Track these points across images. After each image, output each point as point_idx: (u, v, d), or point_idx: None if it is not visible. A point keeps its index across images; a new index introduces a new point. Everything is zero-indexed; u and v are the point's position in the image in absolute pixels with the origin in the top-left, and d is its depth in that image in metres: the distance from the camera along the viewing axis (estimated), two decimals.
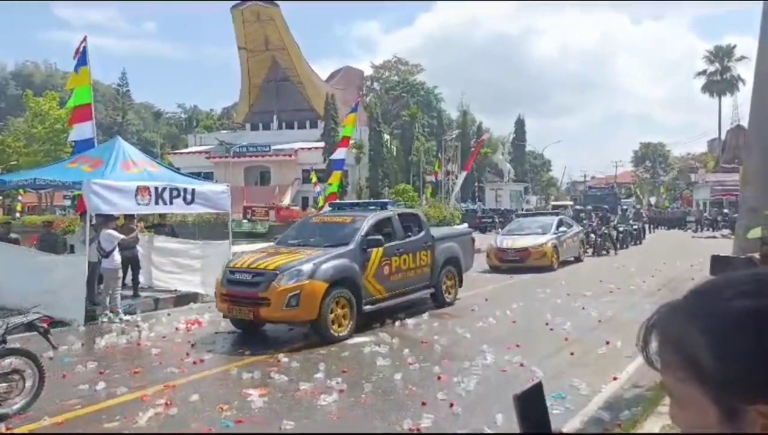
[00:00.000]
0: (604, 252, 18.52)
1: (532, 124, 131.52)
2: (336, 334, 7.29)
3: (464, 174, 38.11)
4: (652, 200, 58.42)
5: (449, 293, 9.89)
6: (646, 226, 28.86)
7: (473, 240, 11.36)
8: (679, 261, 15.86)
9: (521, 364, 6.12)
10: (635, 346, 0.71)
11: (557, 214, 18.65)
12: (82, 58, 11.22)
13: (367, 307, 7.96)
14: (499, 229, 23.14)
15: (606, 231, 19.00)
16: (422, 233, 9.44)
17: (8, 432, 4.65)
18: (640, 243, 23.38)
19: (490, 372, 5.97)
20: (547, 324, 8.09)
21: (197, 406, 5.12)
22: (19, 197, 35.54)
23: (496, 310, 9.14)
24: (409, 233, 9.19)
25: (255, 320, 7.53)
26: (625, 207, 28.93)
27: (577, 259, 16.38)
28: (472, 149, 51.70)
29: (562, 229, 15.80)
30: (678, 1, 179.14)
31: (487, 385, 5.55)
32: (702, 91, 57.78)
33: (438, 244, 9.65)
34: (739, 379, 0.59)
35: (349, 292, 7.56)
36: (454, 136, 61.44)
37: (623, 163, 74.88)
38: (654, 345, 0.68)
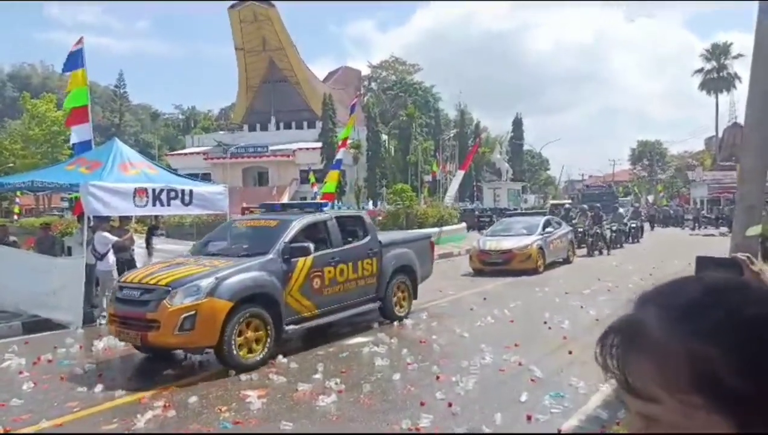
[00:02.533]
0: (597, 252, 18.21)
1: (529, 122, 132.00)
2: (244, 361, 6.11)
3: (462, 173, 38.12)
4: (650, 198, 58.49)
5: (401, 306, 8.70)
6: (645, 224, 28.85)
7: (432, 245, 10.18)
8: (677, 259, 15.89)
9: (519, 364, 6.12)
10: (595, 359, 0.63)
11: (544, 214, 18.25)
12: (78, 59, 11.22)
13: (291, 328, 6.83)
14: None
15: (598, 230, 18.60)
16: (366, 239, 8.33)
17: (7, 433, 4.64)
18: (638, 241, 23.41)
19: (489, 371, 5.97)
20: (545, 323, 8.10)
21: (195, 408, 5.11)
22: (17, 199, 35.46)
23: (494, 309, 9.14)
24: (350, 239, 8.17)
25: (143, 346, 6.42)
26: (616, 205, 28.85)
27: (566, 261, 15.83)
28: (470, 148, 51.77)
29: (548, 229, 15.20)
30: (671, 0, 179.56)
31: (485, 385, 5.55)
32: (699, 89, 57.95)
33: (387, 251, 8.52)
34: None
35: (263, 310, 6.38)
36: (451, 135, 61.54)
37: (621, 161, 75.05)
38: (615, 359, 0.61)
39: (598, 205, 21.94)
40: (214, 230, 8.92)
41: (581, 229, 18.41)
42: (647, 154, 76.21)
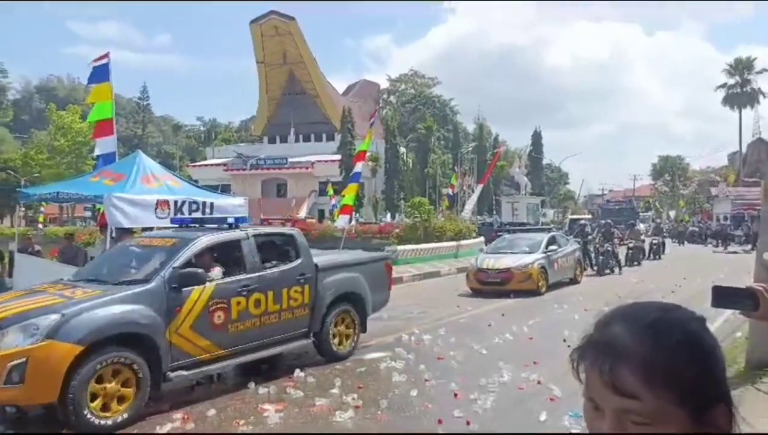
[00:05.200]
0: (608, 271, 17.29)
1: (548, 136, 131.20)
2: (95, 422, 4.78)
3: (480, 187, 38.05)
4: (672, 214, 57.70)
5: (342, 343, 7.31)
6: (666, 240, 28.38)
7: (389, 267, 8.75)
8: (699, 277, 15.62)
9: (539, 382, 6.06)
10: (569, 359, 0.84)
11: (549, 231, 17.23)
12: (103, 73, 11.46)
13: (178, 374, 5.50)
14: None
15: (609, 248, 17.52)
16: (297, 262, 6.94)
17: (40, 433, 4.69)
18: (660, 258, 23.06)
19: (507, 389, 5.92)
20: (564, 340, 7.97)
21: (214, 421, 5.15)
22: (42, 208, 36.16)
23: (512, 326, 9.06)
24: (274, 262, 6.81)
25: None
26: (632, 221, 28.28)
27: (573, 281, 14.91)
28: (489, 162, 51.65)
29: (552, 247, 14.17)
30: (691, 4, 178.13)
31: (504, 403, 5.50)
32: (723, 104, 57.21)
33: (325, 276, 7.15)
34: (710, 388, 0.77)
35: (133, 355, 5.05)
36: (470, 148, 61.50)
37: (641, 176, 74.26)
38: (585, 363, 0.81)
39: (610, 220, 21.10)
40: (109, 249, 7.66)
41: (596, 247, 17.73)
42: (669, 169, 75.36)
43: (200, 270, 5.77)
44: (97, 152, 12.13)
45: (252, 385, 6.08)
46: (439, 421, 4.98)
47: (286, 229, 7.65)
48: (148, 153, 12.04)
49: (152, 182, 9.92)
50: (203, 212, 9.90)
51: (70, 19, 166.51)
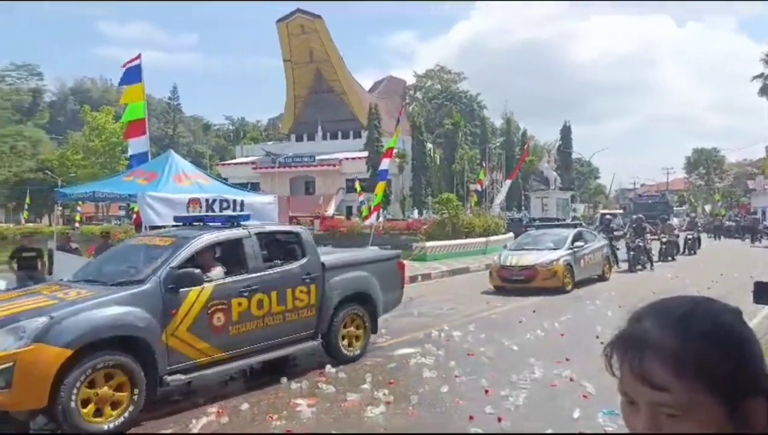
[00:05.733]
0: (639, 267, 16.87)
1: (577, 130, 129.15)
2: (87, 426, 4.63)
3: (509, 182, 37.71)
4: (707, 208, 56.28)
5: (352, 345, 7.06)
6: (702, 235, 27.70)
7: (401, 266, 8.35)
8: (736, 272, 15.22)
9: (571, 379, 5.99)
10: (602, 355, 0.84)
11: (575, 226, 16.78)
12: (135, 74, 11.69)
13: (175, 378, 5.31)
14: None
15: (641, 243, 17.06)
16: (303, 260, 6.68)
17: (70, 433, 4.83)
18: (695, 253, 22.53)
19: (539, 386, 5.87)
20: (597, 337, 7.86)
21: (247, 415, 5.23)
22: (78, 208, 37.13)
23: (543, 322, 8.98)
24: (278, 261, 6.58)
25: None
26: (665, 216, 27.49)
27: (601, 278, 14.47)
28: (517, 157, 51.14)
29: (578, 243, 13.70)
30: (723, 1, 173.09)
31: (536, 400, 5.46)
32: (759, 95, 55.46)
33: (332, 275, 6.88)
34: (744, 381, 0.76)
35: (126, 358, 4.89)
36: (498, 144, 60.98)
37: (674, 169, 72.59)
38: (617, 357, 0.82)
39: (641, 215, 20.50)
40: (112, 248, 7.48)
41: (627, 243, 17.28)
42: (703, 162, 73.49)
43: (197, 270, 5.51)
44: (130, 152, 12.41)
45: (284, 380, 6.16)
46: (471, 418, 4.96)
47: (292, 227, 7.33)
48: (178, 152, 12.26)
49: (184, 181, 10.10)
50: (234, 210, 10.04)
51: (100, 21, 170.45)
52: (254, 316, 5.98)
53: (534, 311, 10.24)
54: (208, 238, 6.02)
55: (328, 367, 6.63)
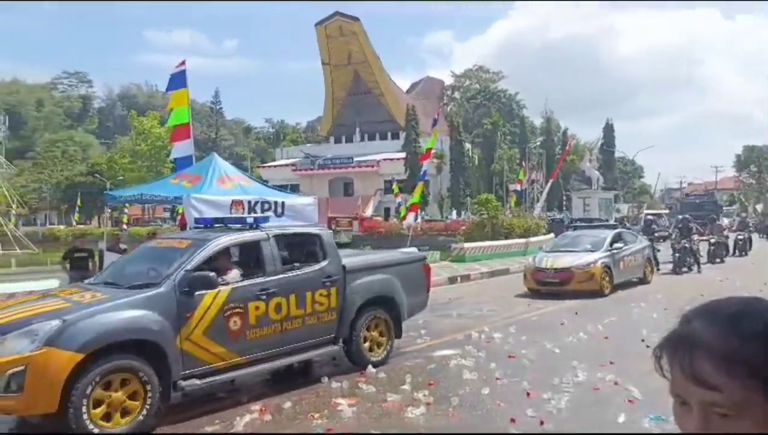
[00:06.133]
0: (685, 269, 16.32)
1: (620, 128, 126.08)
2: (101, 431, 4.58)
3: (550, 182, 37.12)
4: (759, 208, 54.11)
5: (374, 350, 6.86)
6: (753, 236, 26.62)
7: (427, 268, 8.07)
8: None
9: (616, 383, 5.86)
10: (652, 356, 0.85)
11: (614, 227, 16.10)
12: (180, 79, 12.02)
13: (190, 383, 5.20)
14: None
15: (687, 244, 16.34)
16: (323, 263, 6.52)
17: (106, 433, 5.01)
18: (745, 254, 21.69)
19: (582, 390, 5.76)
20: (643, 340, 7.68)
21: (290, 414, 5.31)
22: (126, 210, 38.35)
23: (586, 325, 8.81)
24: (298, 264, 6.47)
25: None
26: (714, 215, 26.40)
27: (642, 281, 13.95)
28: (558, 156, 50.26)
29: (618, 245, 13.23)
30: None
31: (579, 404, 5.37)
32: None
33: (354, 278, 6.70)
34: None
35: (139, 363, 4.83)
36: (538, 143, 60.10)
37: (723, 168, 70.04)
38: (667, 358, 0.82)
39: (688, 215, 19.78)
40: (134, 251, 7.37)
41: (673, 244, 16.71)
42: (755, 160, 70.66)
43: (212, 273, 5.40)
44: (174, 155, 12.75)
45: (325, 379, 6.23)
46: (512, 420, 4.92)
47: (313, 229, 7.17)
48: (221, 155, 12.54)
49: (227, 183, 10.33)
50: (275, 212, 10.21)
51: (146, 29, 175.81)
52: (272, 320, 5.86)
53: (576, 313, 10.06)
54: (224, 240, 5.93)
55: (369, 367, 6.67)
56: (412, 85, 77.67)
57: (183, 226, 11.17)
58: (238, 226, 6.43)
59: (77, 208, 51.43)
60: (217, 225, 6.67)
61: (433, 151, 22.25)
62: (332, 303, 6.44)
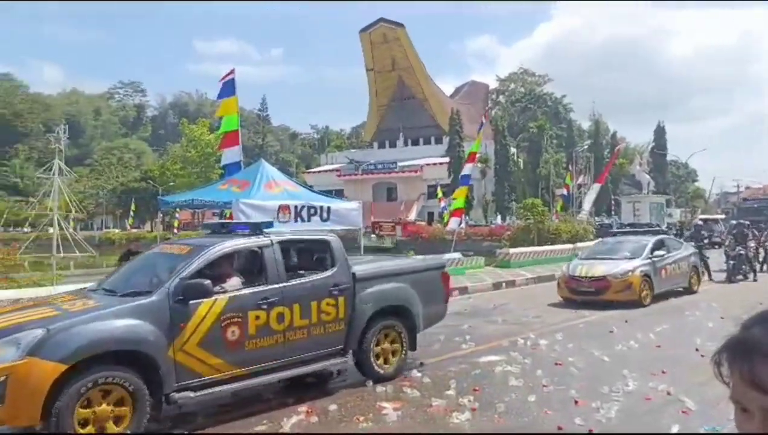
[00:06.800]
0: (740, 277, 15.50)
1: (672, 131, 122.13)
2: None
3: (598, 186, 36.27)
4: None
5: (387, 361, 6.52)
6: None
7: (446, 277, 7.57)
8: None
9: (668, 393, 5.69)
10: (711, 362, 0.88)
11: (656, 234, 14.99)
12: (229, 88, 12.37)
13: (183, 396, 4.95)
14: None
15: (742, 251, 15.53)
16: (331, 271, 6.22)
17: (165, 432, 5.19)
18: None
19: (633, 399, 5.61)
20: (697, 350, 7.43)
21: (335, 416, 5.37)
22: (177, 214, 39.57)
23: (637, 333, 8.57)
24: (303, 272, 6.23)
25: None
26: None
27: (687, 290, 13.10)
28: (606, 160, 49.03)
29: (659, 252, 12.39)
30: None
31: (630, 413, 5.23)
32: None
33: (365, 287, 6.37)
34: None
35: (129, 374, 4.62)
36: (585, 146, 58.79)
37: None
38: (726, 365, 0.84)
39: (743, 220, 18.65)
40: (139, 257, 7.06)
41: (726, 251, 15.89)
42: None
43: (207, 281, 5.14)
44: (224, 162, 13.12)
45: (369, 383, 6.27)
46: (559, 428, 4.84)
47: (321, 235, 6.85)
48: (267, 161, 12.82)
49: (274, 188, 10.57)
50: (321, 217, 10.38)
51: (195, 39, 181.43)
52: (274, 331, 5.58)
53: (626, 321, 9.79)
54: (223, 247, 5.64)
55: (414, 371, 6.68)
56: (456, 90, 77.33)
57: None
58: (242, 231, 6.13)
59: (131, 213, 53.43)
60: (224, 230, 6.40)
61: (477, 155, 22.10)
62: (340, 313, 6.14)
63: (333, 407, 5.53)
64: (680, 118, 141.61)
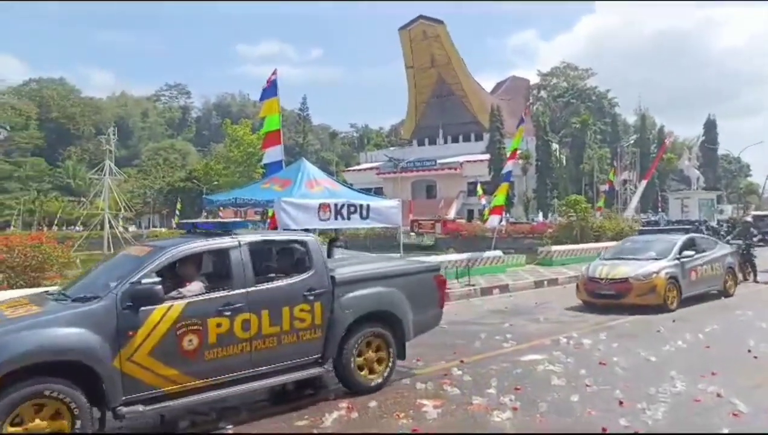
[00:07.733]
0: None
1: (723, 125, 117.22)
2: None
3: (644, 182, 35.30)
4: None
5: (373, 371, 6.05)
6: None
7: (440, 281, 6.91)
8: None
9: (719, 395, 5.50)
10: None
11: (686, 232, 13.97)
12: (272, 89, 12.56)
13: (132, 410, 4.56)
14: None
15: None
16: (306, 274, 5.71)
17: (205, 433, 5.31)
18: None
19: (681, 401, 5.45)
20: (749, 351, 7.16)
21: (375, 412, 5.41)
22: (220, 213, 40.41)
23: (685, 333, 8.32)
24: (274, 275, 5.74)
25: None
26: None
27: (722, 293, 12.26)
28: (653, 155, 47.64)
29: (689, 252, 11.47)
30: None
31: (677, 415, 5.08)
32: None
33: (346, 291, 5.87)
34: None
35: (66, 387, 4.30)
36: (631, 142, 57.25)
37: None
38: None
39: None
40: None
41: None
42: None
43: (158, 286, 4.71)
44: (265, 161, 13.33)
45: (409, 380, 6.29)
46: (603, 429, 4.75)
47: (296, 236, 6.32)
48: (308, 159, 12.97)
49: (315, 187, 10.68)
50: (361, 215, 10.44)
51: (238, 42, 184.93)
52: (238, 339, 5.15)
53: (674, 321, 9.51)
54: (182, 249, 5.21)
55: (455, 369, 6.66)
56: (496, 85, 76.50)
57: (274, 229, 11.65)
58: (208, 230, 5.69)
59: (177, 212, 54.90)
60: (199, 230, 5.85)
61: (518, 152, 21.80)
62: (317, 319, 5.66)
63: (373, 404, 5.58)
64: (731, 112, 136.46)
